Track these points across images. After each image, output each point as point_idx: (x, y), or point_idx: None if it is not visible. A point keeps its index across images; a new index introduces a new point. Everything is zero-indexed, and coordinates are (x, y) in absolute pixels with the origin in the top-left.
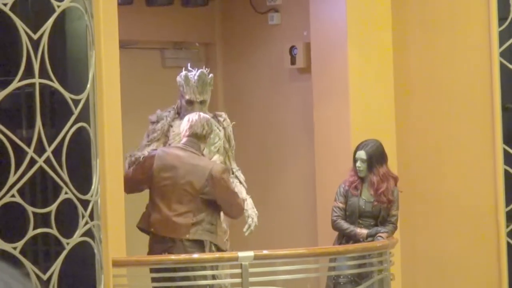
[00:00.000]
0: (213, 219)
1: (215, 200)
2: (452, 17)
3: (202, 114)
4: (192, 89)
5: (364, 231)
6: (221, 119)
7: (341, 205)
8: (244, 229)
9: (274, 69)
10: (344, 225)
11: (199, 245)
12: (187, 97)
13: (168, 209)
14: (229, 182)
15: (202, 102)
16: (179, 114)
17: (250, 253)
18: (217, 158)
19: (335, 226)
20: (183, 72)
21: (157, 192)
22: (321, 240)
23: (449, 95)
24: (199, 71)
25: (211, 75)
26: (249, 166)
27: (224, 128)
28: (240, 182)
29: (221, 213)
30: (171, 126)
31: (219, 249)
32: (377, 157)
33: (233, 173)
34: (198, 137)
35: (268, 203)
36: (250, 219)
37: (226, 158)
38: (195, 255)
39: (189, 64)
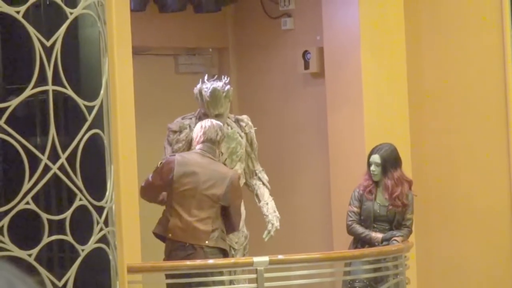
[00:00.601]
0: (222, 226)
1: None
2: (465, 20)
3: (214, 120)
4: (206, 104)
5: (379, 236)
6: (243, 124)
7: (355, 209)
8: (264, 235)
9: (288, 74)
10: (359, 229)
11: (218, 251)
12: (202, 110)
13: (188, 214)
14: (242, 191)
15: (217, 116)
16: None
17: (266, 258)
18: (239, 167)
19: (350, 231)
20: (198, 86)
21: (176, 197)
22: (336, 244)
23: (463, 98)
24: (212, 87)
25: (227, 87)
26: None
27: (246, 133)
28: (263, 184)
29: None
30: None
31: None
32: (391, 161)
33: (256, 175)
34: (213, 142)
35: (282, 208)
36: (270, 225)
37: (248, 160)
38: (210, 261)
39: (206, 77)
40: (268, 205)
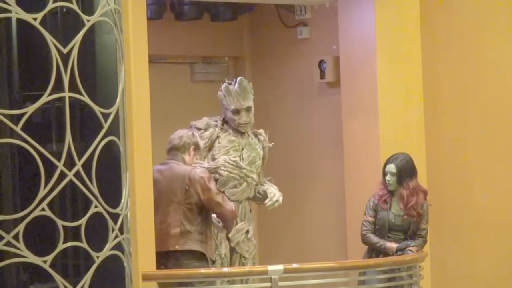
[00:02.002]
0: (203, 229)
1: (205, 210)
2: (481, 29)
3: (183, 130)
4: (235, 98)
5: (394, 245)
6: (261, 138)
7: (370, 219)
8: (267, 202)
9: (303, 83)
10: (374, 239)
11: (192, 255)
12: (232, 107)
13: (159, 222)
14: (211, 184)
15: (248, 109)
16: (223, 126)
17: (280, 267)
18: (256, 177)
19: (364, 240)
20: (223, 85)
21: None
22: (351, 253)
23: (479, 107)
24: (239, 78)
25: (250, 83)
26: (278, 180)
27: (263, 147)
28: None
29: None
30: (218, 136)
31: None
32: (406, 170)
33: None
34: (177, 149)
35: (297, 216)
36: (272, 194)
37: (259, 174)
38: (225, 269)
39: (226, 79)
40: (274, 187)
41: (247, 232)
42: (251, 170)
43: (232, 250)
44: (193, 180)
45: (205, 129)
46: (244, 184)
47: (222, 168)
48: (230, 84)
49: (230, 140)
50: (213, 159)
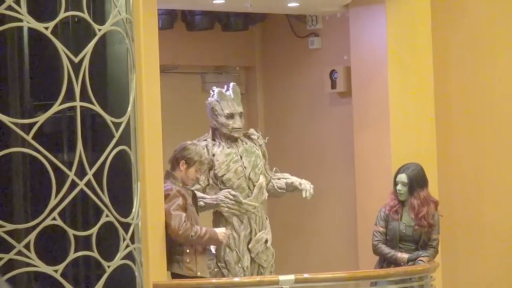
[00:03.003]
0: (179, 248)
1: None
2: (493, 41)
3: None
4: (230, 102)
5: (405, 256)
6: (255, 137)
7: (381, 229)
8: (304, 195)
9: (315, 93)
10: (385, 249)
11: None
12: (226, 111)
13: None
14: (166, 201)
15: (240, 114)
16: (215, 140)
17: (291, 277)
18: (263, 179)
19: (376, 251)
20: (216, 90)
21: None
22: (362, 264)
23: (491, 119)
24: (232, 84)
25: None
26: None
27: (260, 145)
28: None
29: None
30: (213, 154)
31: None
32: (418, 180)
33: (271, 180)
34: (169, 162)
35: (308, 226)
36: (303, 185)
37: (265, 172)
38: (236, 279)
39: (214, 87)
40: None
41: (266, 241)
42: (251, 203)
43: (251, 261)
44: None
45: None
46: (255, 191)
47: (222, 204)
48: (221, 89)
49: (226, 153)
50: (216, 177)
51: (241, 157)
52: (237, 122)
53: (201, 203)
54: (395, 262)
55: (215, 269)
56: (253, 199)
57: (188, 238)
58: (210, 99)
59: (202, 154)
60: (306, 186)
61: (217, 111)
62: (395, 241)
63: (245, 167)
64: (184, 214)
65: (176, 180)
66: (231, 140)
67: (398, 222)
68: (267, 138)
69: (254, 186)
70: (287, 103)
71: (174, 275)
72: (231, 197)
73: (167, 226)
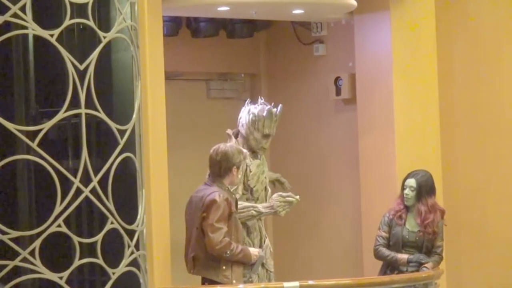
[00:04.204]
0: (207, 253)
1: None
2: (498, 47)
3: (225, 144)
4: (272, 123)
5: (404, 256)
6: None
7: (384, 234)
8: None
9: (319, 100)
10: (386, 252)
11: (208, 282)
12: (266, 131)
13: (186, 246)
14: (212, 211)
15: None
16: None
17: (296, 284)
18: (270, 192)
19: (376, 255)
20: (267, 107)
21: None
22: (367, 270)
23: (496, 125)
24: (280, 105)
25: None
26: None
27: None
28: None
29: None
30: (247, 165)
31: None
32: (426, 187)
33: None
34: (212, 166)
35: (313, 233)
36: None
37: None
38: (241, 286)
39: (261, 98)
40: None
41: (269, 247)
42: (296, 197)
43: (262, 266)
44: (204, 204)
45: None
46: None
47: (280, 209)
48: (267, 105)
49: (257, 164)
50: (247, 188)
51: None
52: (268, 143)
53: (253, 212)
54: (396, 264)
55: (250, 279)
56: None
57: (222, 255)
58: (257, 111)
59: (241, 151)
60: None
61: (257, 126)
62: (398, 246)
63: (265, 178)
64: (225, 229)
65: (223, 185)
66: (251, 151)
67: (402, 227)
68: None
69: (267, 195)
70: (292, 110)
71: (206, 280)
72: (283, 200)
73: (205, 235)
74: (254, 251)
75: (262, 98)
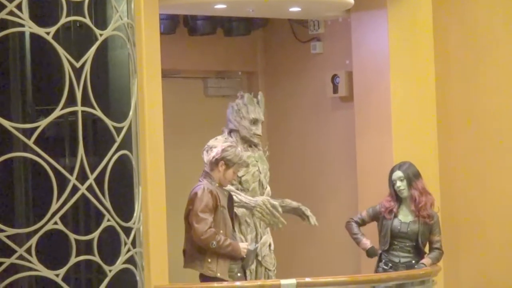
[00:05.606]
0: (196, 246)
1: None
2: (496, 46)
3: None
4: (256, 108)
5: (367, 245)
6: (261, 148)
7: (365, 215)
8: (312, 222)
9: (316, 97)
10: (355, 229)
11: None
12: (252, 116)
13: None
14: (197, 202)
15: (262, 123)
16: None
17: (293, 281)
18: (269, 188)
19: (346, 226)
20: (245, 94)
21: None
22: (364, 268)
23: (493, 123)
24: (259, 93)
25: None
26: (290, 195)
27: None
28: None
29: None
30: None
31: (209, 278)
32: (413, 172)
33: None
34: (206, 162)
35: (310, 231)
36: (307, 211)
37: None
38: (237, 283)
39: (241, 91)
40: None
41: (270, 244)
42: (282, 220)
43: (257, 264)
44: (190, 197)
45: None
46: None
47: (258, 209)
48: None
49: (247, 155)
50: (235, 178)
51: (257, 162)
52: (259, 129)
53: (235, 198)
54: (359, 246)
55: (238, 274)
56: None
57: (208, 245)
58: (237, 101)
59: (242, 156)
60: (311, 214)
61: (242, 114)
62: (387, 237)
63: (260, 172)
64: (210, 220)
65: (212, 180)
66: (247, 144)
67: (392, 220)
68: (267, 152)
69: (263, 192)
70: (289, 108)
71: (202, 277)
72: (269, 206)
73: (191, 226)
74: (243, 245)
75: (240, 92)
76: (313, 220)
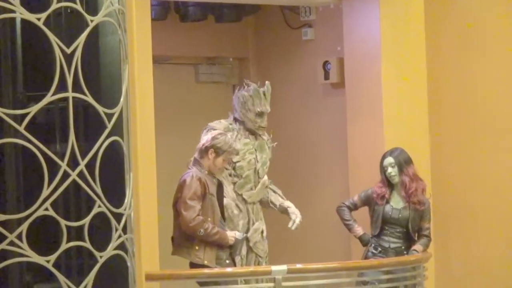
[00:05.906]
0: (181, 233)
1: None
2: (486, 32)
3: (214, 131)
4: (262, 101)
5: (359, 232)
6: (266, 138)
7: (356, 200)
8: (290, 225)
9: (308, 84)
10: (346, 215)
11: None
12: (258, 109)
13: None
14: (185, 190)
15: (267, 114)
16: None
17: (284, 267)
18: (266, 178)
19: (338, 211)
20: (252, 86)
21: None
22: (355, 254)
23: (484, 111)
24: (266, 82)
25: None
26: (282, 182)
27: (268, 147)
28: (274, 192)
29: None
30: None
31: (199, 266)
32: (404, 158)
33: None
34: (196, 150)
35: (302, 217)
36: (294, 215)
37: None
38: (228, 269)
39: (248, 81)
40: (288, 202)
41: (262, 231)
42: (246, 235)
43: (248, 250)
44: (179, 184)
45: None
46: (259, 186)
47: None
48: (250, 85)
49: (244, 143)
50: (229, 163)
51: (255, 150)
52: (264, 122)
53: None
54: (350, 232)
55: (227, 261)
56: (255, 193)
57: (196, 233)
58: (244, 92)
59: (232, 144)
60: (296, 219)
61: (248, 106)
62: (379, 223)
63: (257, 161)
64: (198, 207)
65: (202, 168)
66: (250, 133)
67: (384, 205)
68: (275, 143)
69: (259, 181)
70: (280, 94)
71: (193, 264)
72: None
73: (179, 214)
74: (231, 233)
75: (246, 80)
76: (291, 223)
